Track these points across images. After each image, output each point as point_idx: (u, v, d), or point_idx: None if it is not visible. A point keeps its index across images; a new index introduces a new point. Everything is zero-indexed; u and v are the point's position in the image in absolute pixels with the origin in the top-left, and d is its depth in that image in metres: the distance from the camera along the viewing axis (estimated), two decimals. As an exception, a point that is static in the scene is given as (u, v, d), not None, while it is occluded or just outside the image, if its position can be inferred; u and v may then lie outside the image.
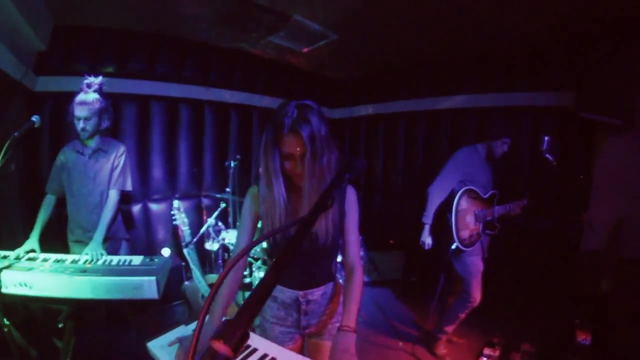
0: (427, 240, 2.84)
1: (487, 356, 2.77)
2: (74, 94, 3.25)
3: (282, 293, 1.43)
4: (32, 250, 2.20)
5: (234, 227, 3.60)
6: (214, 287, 0.63)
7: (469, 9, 2.87)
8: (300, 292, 1.41)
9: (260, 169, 1.30)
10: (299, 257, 1.28)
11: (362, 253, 4.21)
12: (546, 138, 2.63)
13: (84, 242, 2.36)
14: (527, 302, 3.51)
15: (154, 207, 3.84)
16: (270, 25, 3.47)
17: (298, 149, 1.19)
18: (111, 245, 2.44)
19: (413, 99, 4.63)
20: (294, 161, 1.22)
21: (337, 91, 5.52)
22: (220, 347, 0.48)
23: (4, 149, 1.80)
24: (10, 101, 3.02)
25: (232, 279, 1.38)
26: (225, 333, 0.49)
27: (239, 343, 0.49)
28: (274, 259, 1.31)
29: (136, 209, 3.69)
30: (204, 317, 0.60)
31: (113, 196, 2.43)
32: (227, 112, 4.33)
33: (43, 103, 3.24)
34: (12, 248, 2.16)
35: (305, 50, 4.08)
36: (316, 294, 1.43)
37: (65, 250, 2.45)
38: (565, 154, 3.29)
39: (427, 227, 2.83)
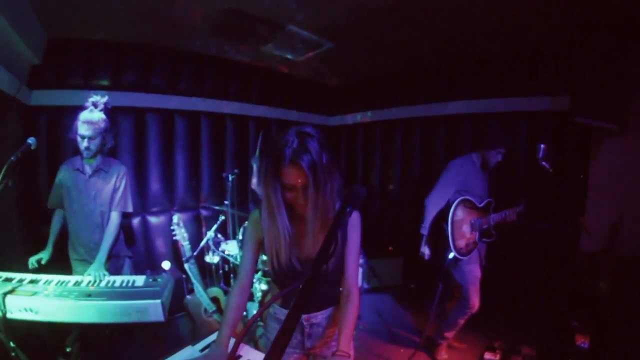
0: (426, 251, 2.91)
1: (488, 360, 2.81)
2: (68, 108, 3.27)
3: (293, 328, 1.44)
4: (39, 262, 2.28)
5: (233, 237, 3.61)
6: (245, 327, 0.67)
7: (464, 15, 2.90)
8: (304, 316, 1.41)
9: (261, 197, 1.30)
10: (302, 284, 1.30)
11: (361, 260, 4.25)
12: (542, 146, 2.67)
13: (86, 261, 2.36)
14: (526, 305, 3.56)
15: (153, 219, 3.83)
16: (264, 35, 3.47)
17: (299, 181, 1.18)
18: (113, 263, 2.45)
19: (409, 106, 4.66)
20: (295, 192, 1.21)
21: (333, 98, 5.54)
22: None
23: (2, 173, 1.78)
24: (4, 116, 2.99)
25: (238, 302, 1.41)
26: None
27: None
28: (285, 296, 1.39)
29: (135, 222, 3.68)
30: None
31: (115, 218, 2.43)
32: (223, 122, 4.33)
33: (38, 117, 3.22)
34: (11, 266, 2.16)
35: (300, 59, 4.10)
36: (319, 317, 1.44)
37: (68, 267, 2.46)
38: (562, 158, 3.34)
39: (425, 239, 2.88)
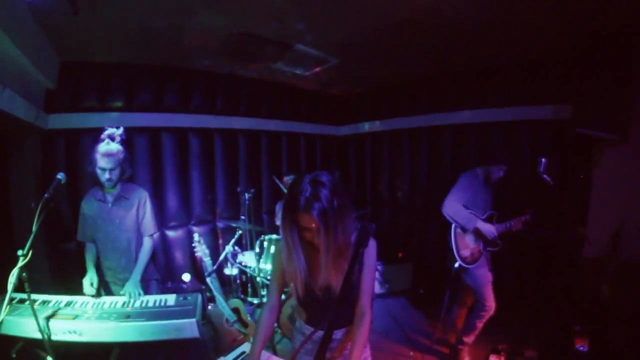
0: (489, 229, 2.84)
1: (493, 363, 2.91)
2: (85, 130, 3.40)
3: (310, 331, 1.59)
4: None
5: (251, 248, 3.77)
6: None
7: (470, 29, 2.98)
8: None
9: (282, 238, 1.47)
10: (323, 305, 1.47)
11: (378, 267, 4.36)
12: (543, 160, 2.73)
13: (117, 284, 2.51)
14: (531, 308, 3.66)
15: (171, 234, 4.00)
16: (273, 55, 3.61)
17: (313, 225, 1.33)
18: (143, 286, 2.56)
19: (416, 116, 4.75)
20: (311, 232, 1.37)
21: (342, 109, 5.64)
22: None
23: (37, 212, 1.85)
24: (24, 141, 3.13)
25: (268, 320, 1.59)
26: None
27: None
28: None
29: (154, 236, 3.81)
30: None
31: (148, 242, 2.58)
32: (236, 138, 4.46)
33: (55, 140, 3.37)
34: (40, 286, 2.30)
35: (308, 73, 4.23)
36: (339, 334, 1.59)
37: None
38: (564, 166, 3.42)
39: (480, 225, 2.83)
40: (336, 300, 1.00)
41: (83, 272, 3.16)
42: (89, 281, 2.33)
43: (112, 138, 2.45)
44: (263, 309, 1.63)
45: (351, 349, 1.46)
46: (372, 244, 1.51)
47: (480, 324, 2.95)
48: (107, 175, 2.36)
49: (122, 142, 2.49)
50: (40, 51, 2.88)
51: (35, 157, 3.26)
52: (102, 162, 2.34)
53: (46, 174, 2.25)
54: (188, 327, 2.05)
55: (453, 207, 2.84)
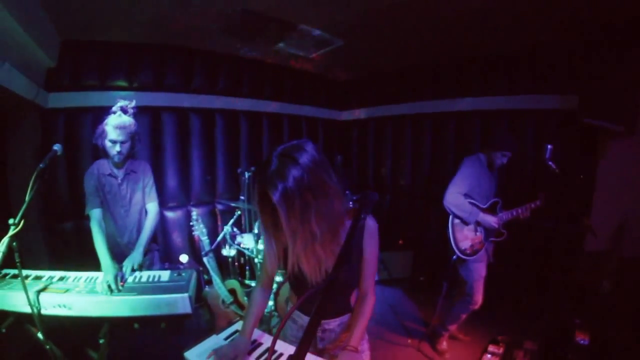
0: (491, 221, 2.78)
1: (492, 353, 2.88)
2: (85, 109, 3.37)
3: (301, 319, 1.53)
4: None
5: (249, 231, 3.75)
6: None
7: (477, 14, 2.91)
8: None
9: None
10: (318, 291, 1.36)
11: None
12: (549, 147, 2.67)
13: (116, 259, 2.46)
14: (531, 301, 3.62)
15: (170, 214, 3.99)
16: (276, 34, 3.54)
17: (270, 208, 1.17)
18: (148, 258, 2.60)
19: (419, 102, 4.69)
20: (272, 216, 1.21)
21: (345, 93, 5.58)
22: None
23: (31, 181, 1.82)
24: (24, 118, 3.12)
25: (260, 299, 1.54)
26: None
27: None
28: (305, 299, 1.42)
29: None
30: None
31: (153, 209, 2.56)
32: (237, 119, 4.42)
33: (56, 119, 3.35)
34: (36, 264, 2.27)
35: (311, 55, 4.15)
36: (333, 324, 1.50)
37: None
38: (569, 157, 3.36)
39: (482, 217, 2.77)
40: (323, 288, 0.86)
41: (81, 253, 3.16)
42: (112, 274, 2.06)
43: (124, 110, 2.42)
44: (255, 287, 1.59)
45: (352, 328, 1.40)
46: (373, 225, 1.39)
47: (464, 316, 2.94)
48: (117, 148, 2.32)
49: (134, 115, 2.46)
50: (41, 29, 2.84)
51: (35, 135, 3.25)
52: (113, 134, 2.29)
53: (45, 153, 2.25)
54: (180, 303, 2.01)
55: (455, 199, 2.77)
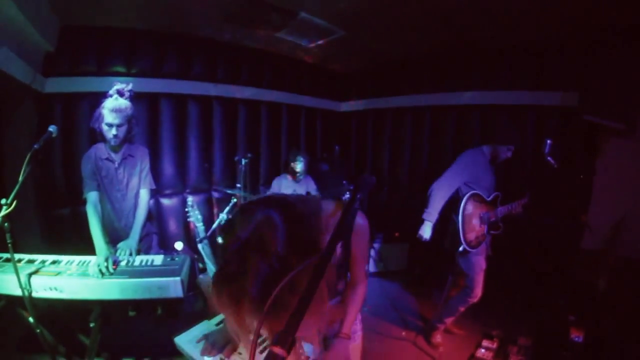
0: (426, 234, 2.85)
1: (485, 348, 2.90)
2: (83, 95, 3.34)
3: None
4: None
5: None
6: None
7: (480, 5, 2.89)
8: None
9: None
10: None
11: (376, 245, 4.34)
12: (548, 141, 2.66)
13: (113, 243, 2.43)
14: (526, 297, 3.63)
15: (166, 202, 3.97)
16: (277, 22, 3.50)
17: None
18: (146, 241, 2.60)
19: (419, 94, 4.67)
20: None
21: (345, 84, 5.55)
22: (278, 350, 0.60)
23: (25, 161, 1.81)
24: (20, 103, 3.09)
25: None
26: (281, 341, 0.62)
27: (290, 347, 0.62)
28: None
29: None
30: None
31: (145, 195, 2.54)
32: (235, 107, 4.39)
33: (53, 104, 3.32)
34: (30, 249, 2.25)
35: (312, 45, 4.11)
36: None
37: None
38: (568, 154, 3.35)
39: (427, 224, 2.85)
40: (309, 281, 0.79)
41: (77, 238, 3.13)
42: (104, 257, 2.07)
43: (121, 94, 2.39)
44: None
45: (343, 318, 1.40)
46: (361, 226, 1.29)
47: (462, 309, 2.93)
48: (114, 132, 2.30)
49: (131, 99, 2.43)
50: (40, 13, 2.81)
51: (31, 120, 3.21)
52: (109, 117, 2.27)
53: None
54: (172, 286, 2.00)
55: (441, 190, 2.80)
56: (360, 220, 1.28)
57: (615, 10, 2.66)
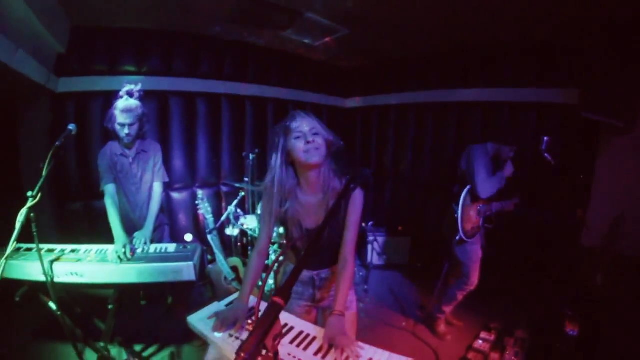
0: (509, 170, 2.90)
1: (483, 339, 2.97)
2: (95, 94, 3.47)
3: (301, 273, 1.68)
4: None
5: (252, 212, 3.87)
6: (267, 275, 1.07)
7: (483, 3, 2.92)
8: (315, 272, 1.72)
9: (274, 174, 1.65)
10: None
11: (380, 238, 4.46)
12: (545, 138, 2.71)
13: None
14: (525, 291, 3.69)
15: (176, 195, 4.11)
16: (283, 22, 3.58)
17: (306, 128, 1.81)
18: (159, 232, 2.76)
19: (422, 91, 4.73)
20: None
21: (349, 81, 5.62)
22: (278, 300, 0.84)
23: (48, 158, 1.93)
24: (35, 103, 3.23)
25: (257, 265, 1.67)
26: (280, 293, 0.86)
27: (287, 298, 0.86)
28: (300, 250, 1.71)
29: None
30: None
31: (158, 188, 2.69)
32: (243, 104, 4.49)
33: (66, 103, 3.44)
34: (46, 242, 2.35)
35: (317, 44, 4.20)
36: (324, 274, 1.73)
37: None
38: (567, 151, 3.38)
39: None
40: (312, 239, 1.08)
41: (90, 232, 3.26)
42: (122, 244, 2.25)
43: (130, 94, 2.54)
44: (252, 254, 1.71)
45: (335, 294, 1.54)
46: (357, 195, 1.60)
47: (460, 296, 3.03)
48: (126, 131, 2.46)
49: (140, 98, 2.58)
50: (52, 16, 2.93)
51: (46, 119, 3.35)
52: (121, 117, 2.43)
53: (55, 137, 2.30)
54: (185, 270, 2.16)
55: (489, 185, 2.81)
56: (358, 192, 1.60)
57: (614, 8, 2.69)
